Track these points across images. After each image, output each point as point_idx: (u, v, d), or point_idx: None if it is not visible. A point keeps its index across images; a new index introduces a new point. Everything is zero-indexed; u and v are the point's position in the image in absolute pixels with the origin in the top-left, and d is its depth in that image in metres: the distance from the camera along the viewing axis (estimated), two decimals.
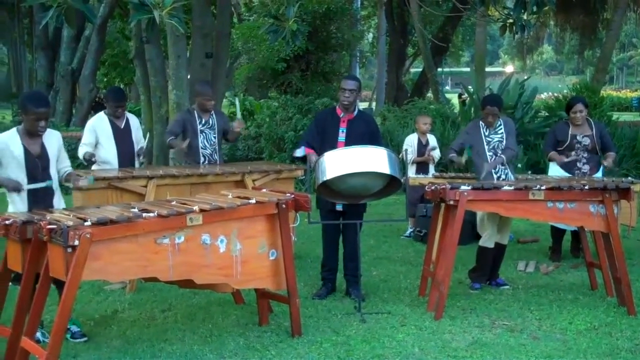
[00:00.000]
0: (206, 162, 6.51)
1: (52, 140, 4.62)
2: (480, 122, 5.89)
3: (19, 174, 4.45)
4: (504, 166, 5.84)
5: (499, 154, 5.80)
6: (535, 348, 4.43)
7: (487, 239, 5.76)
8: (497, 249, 5.83)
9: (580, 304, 5.38)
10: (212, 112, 6.63)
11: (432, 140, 8.02)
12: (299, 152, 5.56)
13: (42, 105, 4.44)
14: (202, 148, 6.49)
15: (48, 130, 4.64)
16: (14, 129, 4.56)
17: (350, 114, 5.57)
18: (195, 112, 6.53)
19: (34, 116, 4.38)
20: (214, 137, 6.57)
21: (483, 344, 4.51)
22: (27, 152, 4.46)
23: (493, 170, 5.81)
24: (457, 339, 4.60)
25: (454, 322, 4.93)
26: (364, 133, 5.49)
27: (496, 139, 5.84)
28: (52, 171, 4.60)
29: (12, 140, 4.46)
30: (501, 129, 5.86)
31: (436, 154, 7.95)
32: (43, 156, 4.52)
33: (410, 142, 7.91)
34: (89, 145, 6.09)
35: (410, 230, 8.08)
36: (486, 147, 5.84)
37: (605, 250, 5.44)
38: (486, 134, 5.85)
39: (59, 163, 4.72)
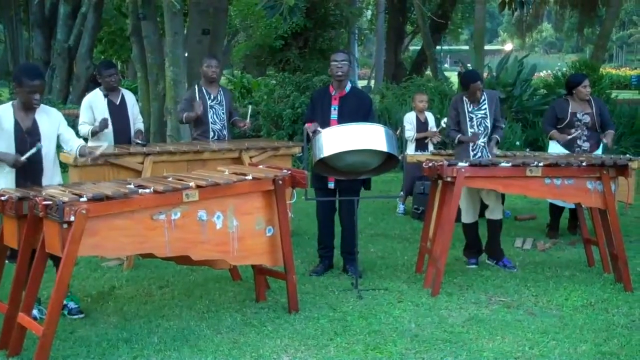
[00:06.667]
0: (216, 137, 6.50)
1: (47, 117, 4.54)
2: (464, 98, 5.79)
3: (7, 148, 4.40)
4: (483, 144, 5.77)
5: (492, 136, 5.74)
6: (531, 324, 4.44)
7: (465, 215, 5.78)
8: (490, 224, 5.80)
9: (576, 280, 5.39)
10: (220, 88, 6.63)
11: (431, 118, 7.99)
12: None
13: (37, 77, 4.39)
14: (212, 123, 6.48)
15: (45, 107, 4.60)
16: (9, 103, 4.53)
17: (342, 90, 5.53)
18: (203, 88, 6.49)
19: (29, 89, 4.34)
20: (223, 113, 6.55)
21: (479, 320, 4.52)
22: (17, 126, 4.42)
23: (470, 149, 5.74)
24: (453, 315, 4.62)
25: (450, 299, 4.94)
26: (357, 110, 5.44)
27: (480, 115, 5.75)
28: (44, 148, 4.49)
29: (5, 114, 4.43)
30: (485, 104, 5.75)
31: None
32: (33, 132, 4.45)
33: (409, 120, 7.87)
34: (89, 122, 6.01)
35: (401, 206, 8.08)
36: (468, 123, 5.76)
37: (603, 227, 5.44)
38: (469, 109, 5.76)
39: (64, 141, 4.66)
